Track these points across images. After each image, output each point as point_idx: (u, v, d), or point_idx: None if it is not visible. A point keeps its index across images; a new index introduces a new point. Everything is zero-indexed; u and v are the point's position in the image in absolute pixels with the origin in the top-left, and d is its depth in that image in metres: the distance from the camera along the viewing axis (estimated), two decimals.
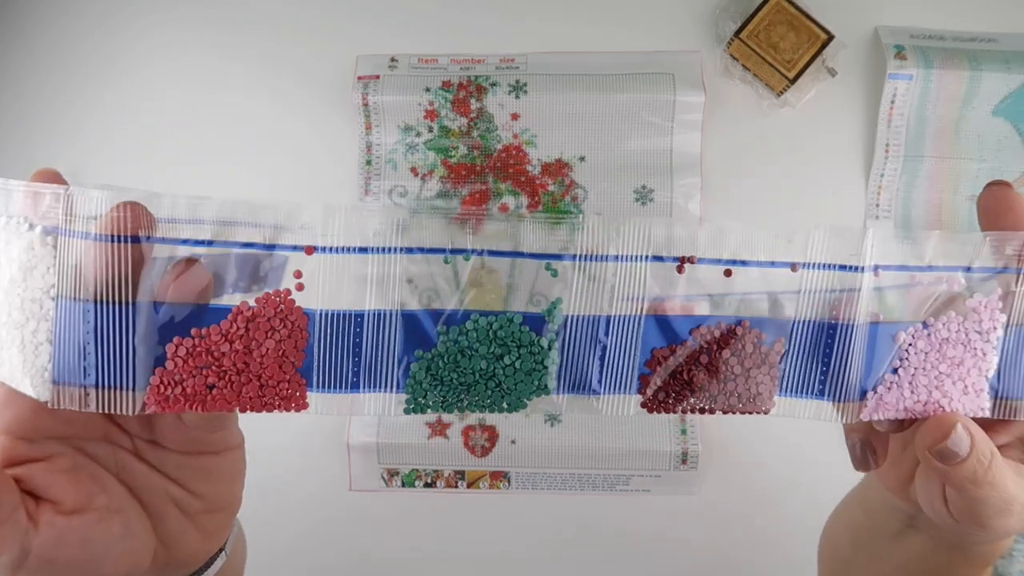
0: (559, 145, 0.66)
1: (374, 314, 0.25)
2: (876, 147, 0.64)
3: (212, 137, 0.68)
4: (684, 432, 0.65)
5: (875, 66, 0.65)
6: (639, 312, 0.25)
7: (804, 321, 0.25)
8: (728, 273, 0.25)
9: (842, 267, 0.25)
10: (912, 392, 0.25)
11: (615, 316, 0.25)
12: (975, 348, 0.25)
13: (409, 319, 0.25)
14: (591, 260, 0.25)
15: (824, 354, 0.25)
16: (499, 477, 0.67)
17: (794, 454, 0.67)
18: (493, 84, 0.66)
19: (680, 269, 0.25)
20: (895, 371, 0.25)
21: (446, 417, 0.66)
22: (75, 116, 0.68)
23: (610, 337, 0.25)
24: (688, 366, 0.25)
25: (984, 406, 0.26)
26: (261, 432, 0.64)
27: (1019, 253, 0.25)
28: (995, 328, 0.25)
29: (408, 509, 0.67)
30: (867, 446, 0.29)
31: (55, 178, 0.24)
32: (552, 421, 0.65)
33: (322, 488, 0.67)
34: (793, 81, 0.63)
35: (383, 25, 0.68)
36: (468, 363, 0.25)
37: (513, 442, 0.66)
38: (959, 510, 0.26)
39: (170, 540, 0.28)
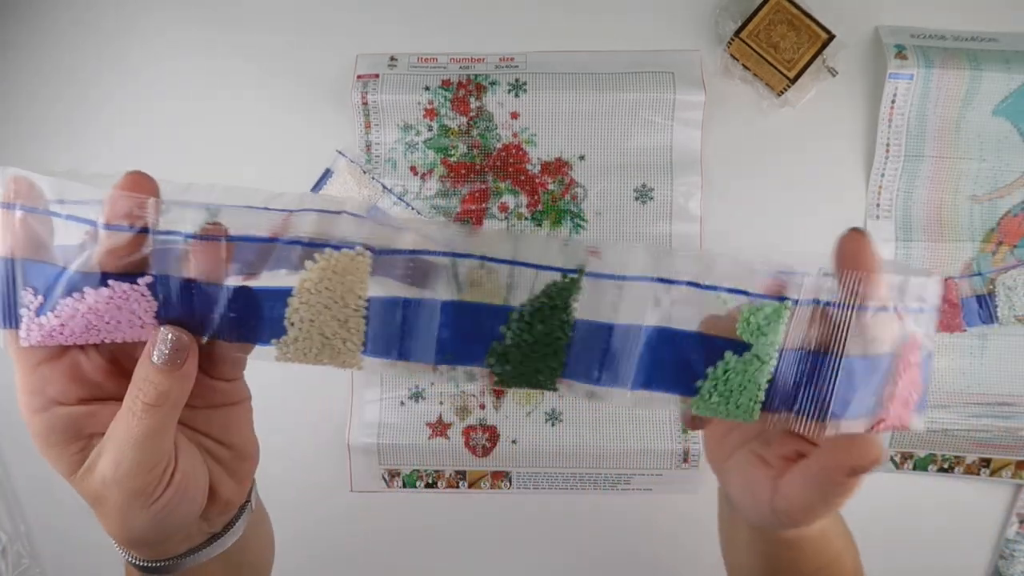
0: (559, 144, 0.66)
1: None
2: (876, 147, 0.65)
3: (211, 135, 0.67)
4: (685, 431, 0.66)
5: (876, 66, 0.65)
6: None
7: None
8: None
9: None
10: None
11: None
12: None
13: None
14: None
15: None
16: (500, 477, 0.67)
17: None
18: (493, 83, 0.66)
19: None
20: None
21: (447, 417, 0.66)
22: (77, 115, 0.68)
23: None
24: None
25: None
26: (262, 434, 0.64)
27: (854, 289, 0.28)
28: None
29: (410, 510, 0.67)
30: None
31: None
32: (553, 421, 0.65)
33: (323, 489, 0.67)
34: (793, 81, 0.63)
35: (382, 24, 0.67)
36: None
37: (514, 442, 0.66)
38: (796, 508, 0.30)
39: (212, 486, 0.32)
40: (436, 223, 0.29)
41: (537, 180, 0.66)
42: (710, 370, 0.30)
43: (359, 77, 0.65)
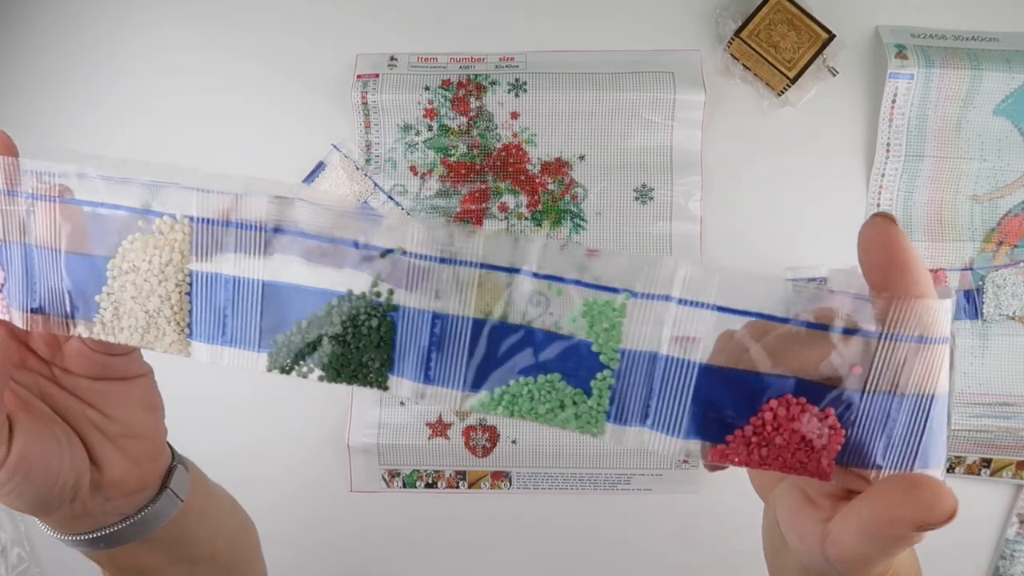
0: (559, 144, 0.66)
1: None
2: (877, 146, 0.65)
3: (211, 135, 0.67)
4: None
5: (876, 65, 0.65)
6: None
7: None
8: None
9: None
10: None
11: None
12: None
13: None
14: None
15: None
16: (500, 477, 0.66)
17: None
18: (493, 83, 0.66)
19: None
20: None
21: (447, 418, 0.66)
22: (78, 108, 0.68)
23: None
24: None
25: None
26: (262, 434, 0.64)
27: (884, 317, 0.23)
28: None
29: (409, 510, 0.67)
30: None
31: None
32: None
33: (323, 490, 0.67)
34: (794, 80, 0.63)
35: (382, 24, 0.67)
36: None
37: (514, 442, 0.66)
38: (852, 559, 0.25)
39: (97, 460, 0.31)
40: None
41: (537, 180, 0.66)
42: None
43: (359, 77, 0.65)
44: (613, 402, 0.26)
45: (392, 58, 0.67)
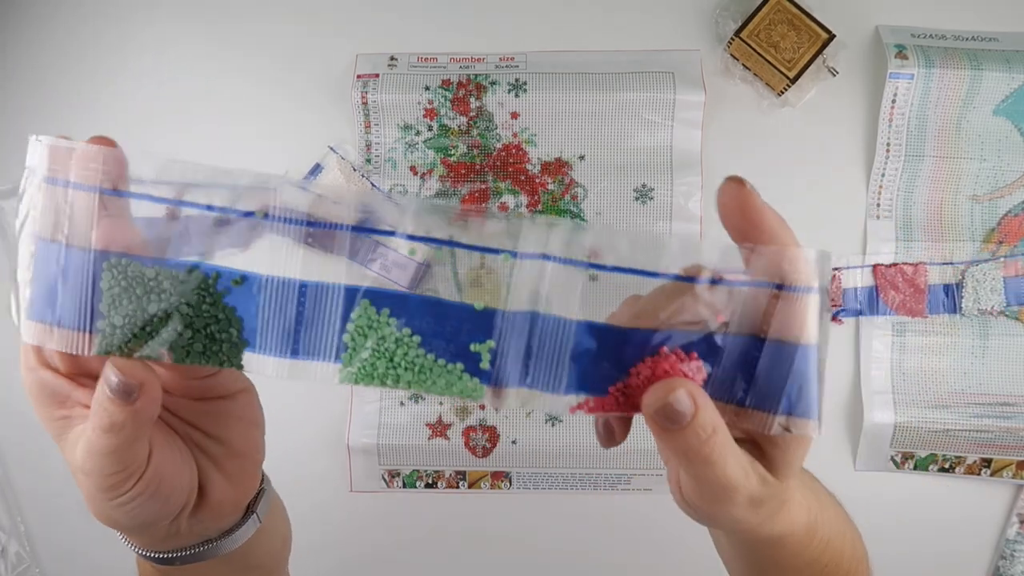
0: (559, 144, 0.66)
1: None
2: (877, 146, 0.65)
3: (211, 136, 0.67)
4: None
5: (876, 65, 0.65)
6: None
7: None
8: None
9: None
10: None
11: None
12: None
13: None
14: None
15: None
16: (500, 477, 0.66)
17: None
18: (493, 83, 0.66)
19: None
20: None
21: (447, 418, 0.66)
22: (78, 102, 0.68)
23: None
24: None
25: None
26: None
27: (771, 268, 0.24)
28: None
29: (409, 510, 0.67)
30: (608, 424, 0.29)
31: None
32: (553, 421, 0.65)
33: (323, 490, 0.67)
34: (794, 80, 0.63)
35: (382, 23, 0.67)
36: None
37: (514, 442, 0.66)
38: (687, 494, 0.26)
39: (201, 482, 0.30)
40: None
41: (537, 180, 0.66)
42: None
43: (359, 77, 0.65)
44: (493, 363, 0.25)
45: (392, 58, 0.67)
